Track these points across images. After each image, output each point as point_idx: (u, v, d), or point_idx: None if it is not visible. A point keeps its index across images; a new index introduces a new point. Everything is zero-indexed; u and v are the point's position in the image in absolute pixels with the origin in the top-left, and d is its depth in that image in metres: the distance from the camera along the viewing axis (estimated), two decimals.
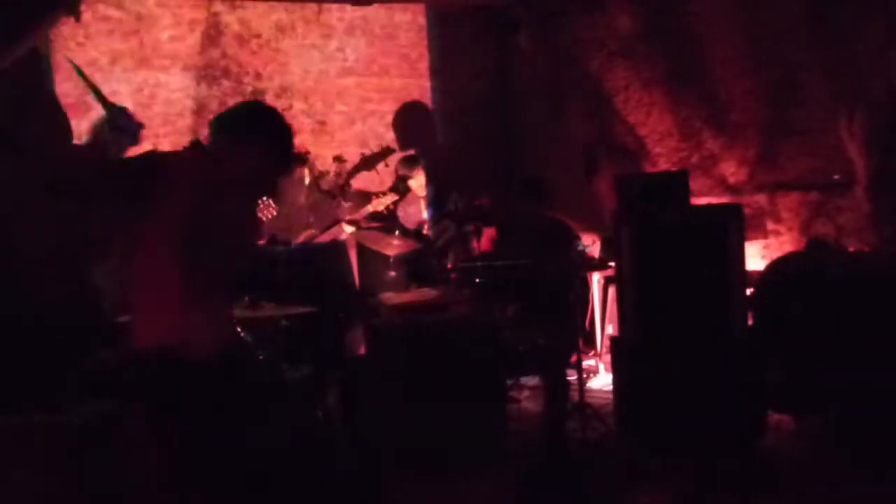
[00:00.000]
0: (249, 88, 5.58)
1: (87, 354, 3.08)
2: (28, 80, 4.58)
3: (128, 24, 5.33)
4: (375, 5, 5.71)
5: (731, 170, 5.07)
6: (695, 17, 5.09)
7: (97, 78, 5.22)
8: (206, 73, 5.37)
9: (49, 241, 3.38)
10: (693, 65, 5.14)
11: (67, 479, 2.63)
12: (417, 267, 4.69)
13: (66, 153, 2.56)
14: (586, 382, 4.33)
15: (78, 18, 4.54)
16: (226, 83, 5.53)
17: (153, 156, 2.31)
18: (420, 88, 6.01)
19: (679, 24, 5.15)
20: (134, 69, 5.27)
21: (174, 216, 2.16)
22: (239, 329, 3.41)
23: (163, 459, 2.26)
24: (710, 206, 4.44)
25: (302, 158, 4.81)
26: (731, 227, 3.49)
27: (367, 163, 4.94)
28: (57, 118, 3.62)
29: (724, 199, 4.95)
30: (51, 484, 2.63)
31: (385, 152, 4.99)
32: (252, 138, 2.21)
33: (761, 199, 4.91)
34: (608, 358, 4.65)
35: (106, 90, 5.20)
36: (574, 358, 3.87)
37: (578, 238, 4.42)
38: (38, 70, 4.94)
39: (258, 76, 5.61)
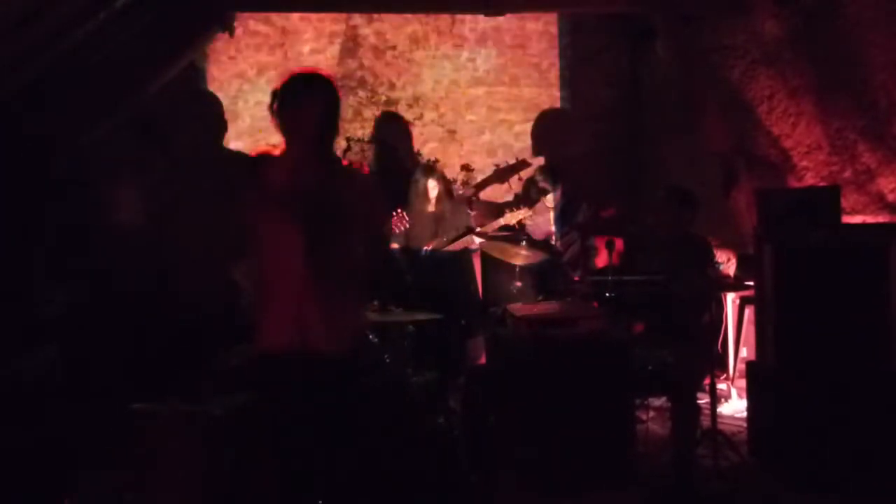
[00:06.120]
0: (383, 98, 5.76)
1: (225, 348, 3.28)
2: (186, 90, 4.98)
3: (274, 38, 5.67)
4: (507, 15, 5.73)
5: (891, 186, 4.62)
6: (852, 18, 4.69)
7: (245, 88, 5.60)
8: (344, 84, 5.60)
9: (196, 239, 3.62)
10: (848, 71, 4.73)
11: (206, 465, 2.80)
12: (544, 278, 4.61)
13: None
14: (718, 407, 4.10)
15: (232, 34, 4.90)
16: (361, 93, 5.75)
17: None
18: (550, 98, 5.97)
19: (833, 28, 4.77)
20: (278, 80, 5.56)
21: (287, 214, 2.29)
22: (367, 332, 3.51)
23: (285, 455, 2.34)
24: (867, 225, 4.10)
25: (430, 168, 4.86)
26: (891, 249, 3.21)
27: (501, 175, 4.91)
28: (212, 121, 3.94)
29: (881, 218, 4.54)
30: (191, 470, 2.80)
31: (519, 165, 4.94)
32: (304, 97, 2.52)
33: None
34: (741, 383, 4.39)
35: (252, 101, 5.58)
36: (706, 381, 3.68)
37: (714, 255, 4.19)
38: (196, 81, 5.35)
39: (392, 86, 5.79)
